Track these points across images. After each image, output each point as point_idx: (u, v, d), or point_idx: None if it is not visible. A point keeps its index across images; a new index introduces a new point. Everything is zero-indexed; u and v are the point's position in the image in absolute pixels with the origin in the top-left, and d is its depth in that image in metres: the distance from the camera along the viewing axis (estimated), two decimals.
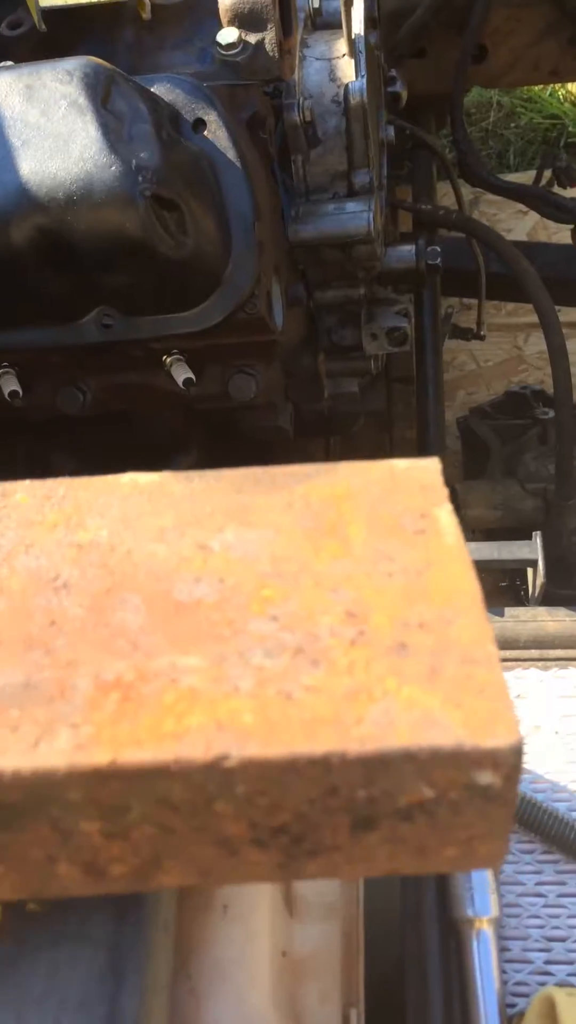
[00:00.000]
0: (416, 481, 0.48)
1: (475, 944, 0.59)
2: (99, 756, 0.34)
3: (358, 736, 0.34)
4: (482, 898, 0.60)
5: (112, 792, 0.33)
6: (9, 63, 0.98)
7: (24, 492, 0.49)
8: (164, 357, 1.05)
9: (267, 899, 0.47)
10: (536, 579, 0.66)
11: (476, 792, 0.34)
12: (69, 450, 1.28)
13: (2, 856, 0.34)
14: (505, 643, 0.63)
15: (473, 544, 0.68)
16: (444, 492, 0.46)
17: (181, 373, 1.04)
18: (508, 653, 0.62)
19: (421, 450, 1.51)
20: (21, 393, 1.05)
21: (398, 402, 1.62)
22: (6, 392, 1.04)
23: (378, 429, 1.61)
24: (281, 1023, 0.47)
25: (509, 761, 0.34)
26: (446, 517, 0.45)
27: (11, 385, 1.04)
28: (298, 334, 1.22)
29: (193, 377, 1.04)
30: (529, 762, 0.59)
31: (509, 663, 0.62)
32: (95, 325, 0.99)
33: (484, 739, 0.34)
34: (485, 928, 0.59)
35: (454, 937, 0.61)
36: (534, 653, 0.61)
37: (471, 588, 0.41)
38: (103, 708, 0.36)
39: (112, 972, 0.38)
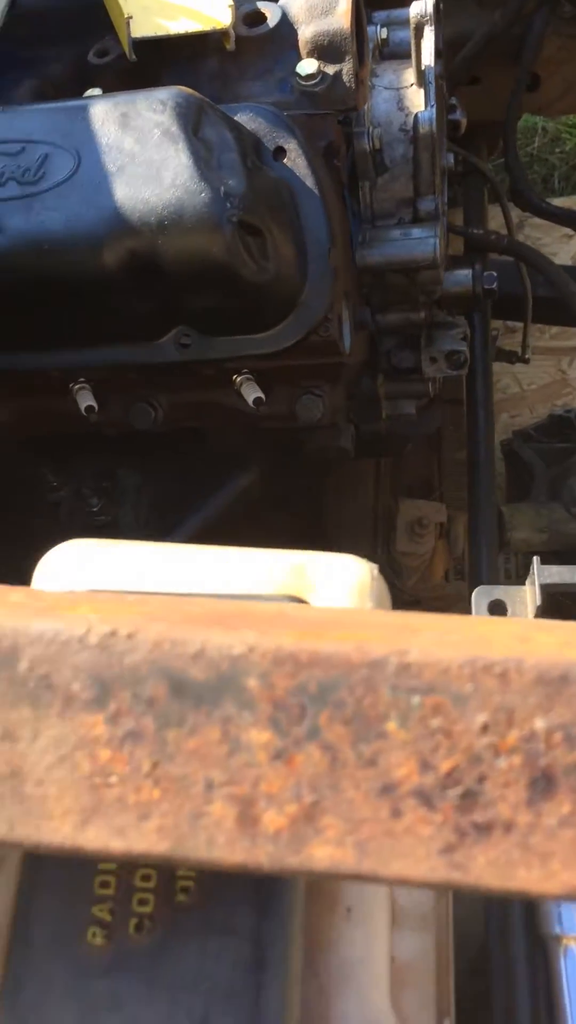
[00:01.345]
0: None
1: (563, 961, 0.61)
2: (284, 639, 0.35)
3: (535, 652, 0.34)
4: (570, 914, 0.61)
5: (289, 684, 0.34)
6: (97, 90, 1.02)
7: None
8: (234, 376, 1.07)
9: (384, 904, 0.49)
10: None
11: None
12: (134, 465, 1.31)
13: (162, 777, 0.34)
14: None
15: (554, 568, 0.70)
16: None
17: (251, 392, 1.07)
18: None
19: (471, 472, 1.53)
20: (96, 408, 1.08)
21: (447, 424, 1.64)
22: (82, 407, 1.07)
23: (427, 450, 1.63)
24: None
25: None
26: None
27: (87, 400, 1.07)
28: (361, 357, 1.25)
29: (263, 396, 1.07)
30: None
31: None
32: (173, 344, 1.02)
33: None
34: (573, 945, 0.60)
35: (541, 953, 0.62)
36: None
37: None
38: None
39: (256, 963, 0.40)
